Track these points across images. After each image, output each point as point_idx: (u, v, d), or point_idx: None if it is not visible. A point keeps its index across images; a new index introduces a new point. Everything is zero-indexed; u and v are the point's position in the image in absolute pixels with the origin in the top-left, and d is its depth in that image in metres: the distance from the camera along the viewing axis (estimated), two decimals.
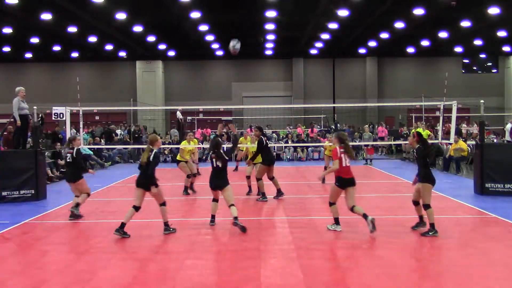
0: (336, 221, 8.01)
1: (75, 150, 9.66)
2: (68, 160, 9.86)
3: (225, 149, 8.56)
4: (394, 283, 5.66)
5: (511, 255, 6.76)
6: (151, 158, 7.77)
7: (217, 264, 6.35)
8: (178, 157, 12.59)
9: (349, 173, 7.75)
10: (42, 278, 5.98)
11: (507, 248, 7.06)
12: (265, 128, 27.20)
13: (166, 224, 8.04)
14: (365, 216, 7.58)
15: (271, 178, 11.25)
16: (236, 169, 16.83)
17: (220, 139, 11.22)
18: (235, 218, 7.98)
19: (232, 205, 8.13)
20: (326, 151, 14.08)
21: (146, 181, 7.77)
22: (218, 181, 8.29)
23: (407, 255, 6.77)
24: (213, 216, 8.57)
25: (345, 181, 7.73)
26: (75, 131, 20.68)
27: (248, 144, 14.41)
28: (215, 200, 8.54)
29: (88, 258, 6.84)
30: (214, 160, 8.31)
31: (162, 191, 8.04)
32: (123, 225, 7.75)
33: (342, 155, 7.73)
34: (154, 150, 7.91)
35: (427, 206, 7.61)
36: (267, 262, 6.46)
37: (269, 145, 11.49)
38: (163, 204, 8.05)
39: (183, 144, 12.95)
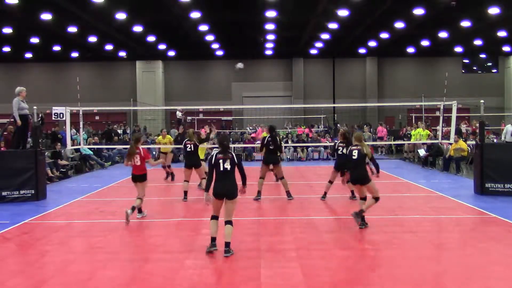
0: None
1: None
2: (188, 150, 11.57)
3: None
4: (394, 283, 5.66)
5: (511, 255, 6.76)
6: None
7: (217, 264, 6.34)
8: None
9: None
10: (42, 278, 5.98)
11: (507, 248, 7.06)
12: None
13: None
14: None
15: (280, 179, 11.31)
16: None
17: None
18: (227, 244, 6.67)
19: (230, 223, 6.78)
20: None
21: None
22: (227, 188, 6.79)
23: (407, 255, 6.77)
24: (213, 239, 6.83)
25: None
26: (75, 131, 20.71)
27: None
28: (215, 217, 6.89)
29: (88, 258, 6.84)
30: (221, 161, 6.86)
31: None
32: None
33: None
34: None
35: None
36: (267, 262, 6.46)
37: (271, 146, 11.36)
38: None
39: (159, 140, 15.72)
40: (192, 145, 11.53)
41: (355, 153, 8.23)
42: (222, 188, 6.79)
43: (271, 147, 11.28)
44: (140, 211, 9.23)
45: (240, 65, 19.32)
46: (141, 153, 9.14)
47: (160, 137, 15.99)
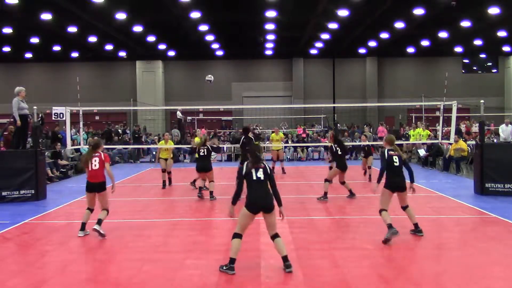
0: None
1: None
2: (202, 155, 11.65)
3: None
4: (394, 283, 5.66)
5: (511, 255, 6.76)
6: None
7: (217, 264, 6.34)
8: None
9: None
10: (42, 278, 5.98)
11: (507, 248, 7.06)
12: (266, 128, 27.27)
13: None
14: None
15: (342, 183, 11.36)
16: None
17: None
18: (285, 258, 6.01)
19: (278, 236, 6.10)
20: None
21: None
22: (265, 199, 6.01)
23: (407, 255, 6.76)
24: (233, 261, 6.00)
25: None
26: (74, 131, 20.71)
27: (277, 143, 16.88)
28: (239, 235, 6.05)
29: (88, 258, 6.84)
30: (253, 170, 6.11)
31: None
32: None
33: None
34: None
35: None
36: (267, 262, 6.46)
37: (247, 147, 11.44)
38: None
39: (161, 144, 14.41)
40: (205, 150, 11.74)
41: (396, 160, 7.61)
42: (259, 201, 5.99)
43: (247, 148, 11.27)
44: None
45: (209, 77, 19.48)
46: (101, 156, 8.07)
47: (163, 141, 14.49)
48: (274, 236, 6.07)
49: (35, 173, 11.57)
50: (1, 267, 6.45)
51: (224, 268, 5.99)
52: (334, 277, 5.95)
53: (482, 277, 5.87)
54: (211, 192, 11.37)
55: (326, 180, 11.22)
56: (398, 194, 7.69)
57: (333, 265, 6.43)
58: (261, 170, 6.09)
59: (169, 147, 14.15)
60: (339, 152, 11.26)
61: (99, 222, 7.78)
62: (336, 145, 11.41)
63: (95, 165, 7.91)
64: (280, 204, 6.09)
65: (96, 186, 7.89)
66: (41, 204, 11.14)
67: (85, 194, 8.08)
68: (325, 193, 11.03)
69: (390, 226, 7.26)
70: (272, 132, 18.10)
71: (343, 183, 11.27)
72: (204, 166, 11.64)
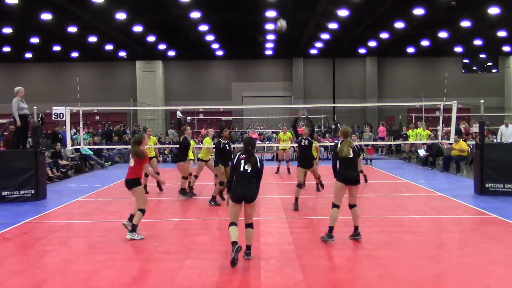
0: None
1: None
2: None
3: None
4: (394, 283, 5.66)
5: (511, 255, 6.76)
6: None
7: (217, 264, 6.34)
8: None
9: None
10: (42, 278, 5.98)
11: (507, 248, 7.06)
12: (267, 128, 27.25)
13: None
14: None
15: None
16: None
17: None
18: (249, 247, 6.54)
19: (251, 226, 6.56)
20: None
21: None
22: (246, 190, 6.45)
23: (407, 255, 6.77)
24: (235, 243, 6.33)
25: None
26: (74, 131, 20.73)
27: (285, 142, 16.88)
28: (234, 223, 6.47)
29: (88, 258, 6.84)
30: (242, 161, 6.55)
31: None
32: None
33: None
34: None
35: None
36: (267, 262, 6.46)
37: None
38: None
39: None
40: (227, 145, 10.91)
41: (350, 152, 7.56)
42: (239, 191, 6.45)
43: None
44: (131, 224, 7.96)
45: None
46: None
47: (208, 139, 12.77)
48: (248, 226, 6.52)
49: (35, 173, 11.57)
50: (1, 267, 6.45)
51: (233, 254, 6.25)
52: (334, 277, 5.95)
53: (482, 277, 5.87)
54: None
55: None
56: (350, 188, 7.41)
57: (333, 265, 6.43)
58: (249, 163, 6.49)
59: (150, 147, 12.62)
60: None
61: (131, 219, 7.89)
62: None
63: (131, 162, 7.95)
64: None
65: (128, 183, 7.84)
66: (41, 204, 11.14)
67: None
68: None
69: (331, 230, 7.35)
70: (280, 131, 18.12)
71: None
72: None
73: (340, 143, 7.50)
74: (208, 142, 12.28)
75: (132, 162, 7.91)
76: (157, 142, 14.60)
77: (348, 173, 7.35)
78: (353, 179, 7.38)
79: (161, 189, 12.73)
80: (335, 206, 7.42)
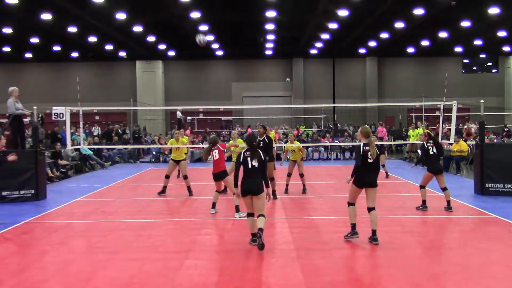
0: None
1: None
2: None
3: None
4: (394, 283, 5.66)
5: (511, 255, 6.76)
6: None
7: (217, 264, 6.34)
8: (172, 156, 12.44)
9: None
10: (42, 278, 5.98)
11: (507, 248, 7.06)
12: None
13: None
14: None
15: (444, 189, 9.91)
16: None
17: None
18: (260, 229, 6.78)
19: (263, 215, 6.95)
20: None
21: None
22: (252, 184, 6.96)
23: (407, 255, 6.76)
24: (254, 235, 7.00)
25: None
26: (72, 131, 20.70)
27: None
28: (251, 214, 7.03)
29: (88, 258, 6.84)
30: (248, 158, 7.05)
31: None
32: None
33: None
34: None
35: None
36: (267, 262, 6.46)
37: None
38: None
39: (171, 143, 12.65)
40: (261, 142, 10.85)
41: (370, 156, 7.23)
42: (246, 185, 7.00)
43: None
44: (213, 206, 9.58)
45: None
46: (219, 148, 9.48)
47: (173, 139, 12.64)
48: (260, 215, 6.92)
49: (35, 173, 11.56)
50: (1, 267, 6.44)
51: (249, 241, 7.07)
52: (334, 277, 5.95)
53: (482, 277, 5.87)
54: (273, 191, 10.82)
55: (421, 187, 9.87)
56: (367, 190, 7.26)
57: (333, 265, 6.43)
58: (256, 158, 7.02)
59: (181, 146, 12.31)
60: (435, 152, 9.73)
61: (237, 208, 9.10)
62: (429, 144, 9.79)
63: (215, 156, 9.26)
64: (267, 186, 7.09)
65: (218, 175, 9.23)
66: (41, 204, 11.13)
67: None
68: (424, 201, 9.76)
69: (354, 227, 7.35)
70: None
71: (444, 189, 9.73)
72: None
73: (363, 145, 7.21)
74: (240, 142, 11.45)
75: (216, 155, 9.28)
76: (187, 142, 13.81)
77: (367, 177, 7.19)
78: (370, 183, 7.21)
79: (191, 193, 11.95)
80: (350, 204, 7.44)
